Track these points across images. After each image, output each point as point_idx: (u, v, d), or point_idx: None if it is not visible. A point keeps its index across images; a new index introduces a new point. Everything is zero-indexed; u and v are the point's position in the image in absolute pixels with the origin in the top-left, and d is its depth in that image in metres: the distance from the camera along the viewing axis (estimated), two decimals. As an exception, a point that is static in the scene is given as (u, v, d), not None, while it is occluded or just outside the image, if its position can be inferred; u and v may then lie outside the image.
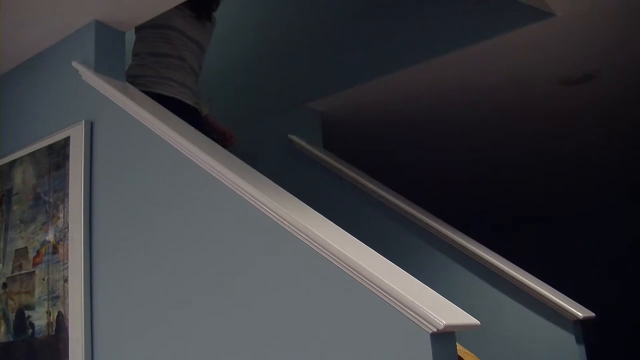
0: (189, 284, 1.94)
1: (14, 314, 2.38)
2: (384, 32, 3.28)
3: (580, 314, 2.37)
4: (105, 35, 2.51)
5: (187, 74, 2.85)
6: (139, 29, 2.86)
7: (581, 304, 2.48)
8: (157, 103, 2.34)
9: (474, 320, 1.51)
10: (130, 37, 2.75)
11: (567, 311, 2.37)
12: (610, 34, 3.08)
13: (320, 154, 3.13)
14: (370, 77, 3.31)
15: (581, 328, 2.43)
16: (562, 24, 2.88)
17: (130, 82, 2.65)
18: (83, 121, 2.36)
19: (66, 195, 2.35)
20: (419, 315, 1.40)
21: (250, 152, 2.51)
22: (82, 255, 2.24)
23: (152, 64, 2.77)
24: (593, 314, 2.44)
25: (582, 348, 2.43)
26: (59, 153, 2.41)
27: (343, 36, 3.43)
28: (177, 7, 2.76)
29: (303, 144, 3.23)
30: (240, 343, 1.76)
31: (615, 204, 6.67)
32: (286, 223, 1.70)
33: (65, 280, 2.26)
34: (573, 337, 2.39)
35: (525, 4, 2.81)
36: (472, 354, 2.09)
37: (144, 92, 2.57)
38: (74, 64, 2.43)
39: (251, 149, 2.70)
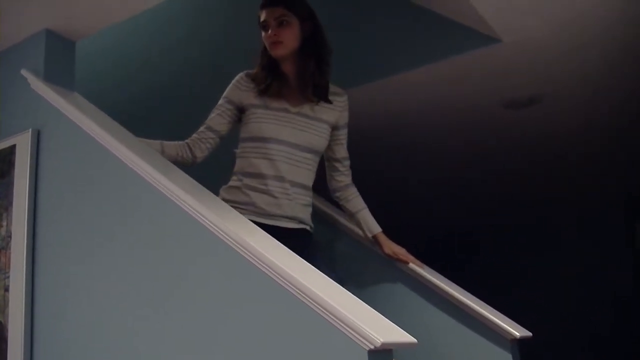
0: (134, 296, 1.94)
1: (-48, 322, 2.35)
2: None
3: (518, 333, 2.42)
4: (56, 44, 2.50)
5: (284, 192, 2.38)
6: (241, 144, 2.47)
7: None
8: (105, 115, 2.34)
9: (410, 339, 1.54)
10: (82, 47, 2.73)
11: (504, 330, 2.41)
12: (553, 60, 3.17)
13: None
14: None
15: (518, 347, 2.49)
16: (508, 50, 2.96)
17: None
18: (30, 130, 2.34)
19: (10, 203, 2.33)
20: (357, 332, 1.43)
21: (199, 165, 2.51)
22: (25, 265, 2.22)
23: (244, 188, 2.38)
24: (530, 334, 2.49)
25: (519, 366, 2.49)
26: (4, 161, 2.39)
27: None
28: (277, 118, 2.40)
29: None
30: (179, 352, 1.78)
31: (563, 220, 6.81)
32: (230, 240, 1.73)
33: (6, 290, 2.24)
34: (510, 356, 2.44)
35: (472, 29, 2.87)
36: (410, 371, 2.12)
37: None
38: (23, 71, 2.42)
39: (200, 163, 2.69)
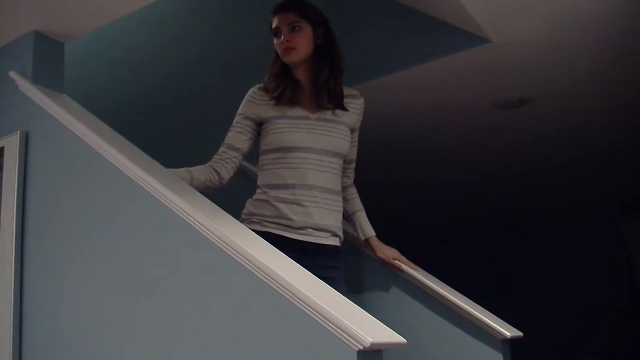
0: (122, 297, 1.94)
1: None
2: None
3: (509, 334, 2.41)
4: (45, 46, 2.49)
5: (313, 200, 2.32)
6: (262, 157, 2.42)
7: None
8: (94, 117, 2.33)
9: (400, 339, 1.54)
10: (71, 49, 2.72)
11: (495, 330, 2.41)
12: (546, 61, 3.18)
13: (253, 168, 3.10)
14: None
15: (509, 347, 2.48)
16: (498, 51, 2.96)
17: (248, 220, 2.33)
18: (18, 132, 2.34)
19: (-1, 205, 2.33)
20: (346, 333, 1.43)
21: (191, 166, 2.50)
22: (13, 267, 2.21)
23: (273, 201, 2.31)
24: (521, 334, 2.49)
25: (510, 367, 2.49)
26: (-8, 163, 2.38)
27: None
28: (299, 127, 2.34)
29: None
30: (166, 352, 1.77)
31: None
32: (217, 239, 1.73)
33: (-5, 293, 2.23)
34: (501, 356, 2.44)
35: (462, 30, 2.88)
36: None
37: (260, 232, 2.18)
38: (12, 74, 2.41)
39: (192, 164, 2.67)
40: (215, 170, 2.36)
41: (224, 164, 2.38)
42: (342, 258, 2.43)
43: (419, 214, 6.37)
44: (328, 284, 2.00)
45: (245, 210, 2.37)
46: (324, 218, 2.33)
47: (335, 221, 2.38)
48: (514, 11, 2.71)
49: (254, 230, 2.19)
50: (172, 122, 4.04)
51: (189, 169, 2.31)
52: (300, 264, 2.07)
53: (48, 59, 2.49)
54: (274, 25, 2.37)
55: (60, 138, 2.23)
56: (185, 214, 1.82)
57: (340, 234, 2.42)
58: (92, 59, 4.34)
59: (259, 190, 2.38)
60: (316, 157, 2.34)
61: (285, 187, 2.31)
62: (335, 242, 2.38)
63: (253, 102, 2.39)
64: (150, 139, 3.44)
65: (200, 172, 2.33)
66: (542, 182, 5.44)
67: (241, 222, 2.31)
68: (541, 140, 4.38)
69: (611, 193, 6.02)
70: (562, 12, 2.76)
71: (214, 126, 3.74)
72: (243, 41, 3.76)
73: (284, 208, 2.28)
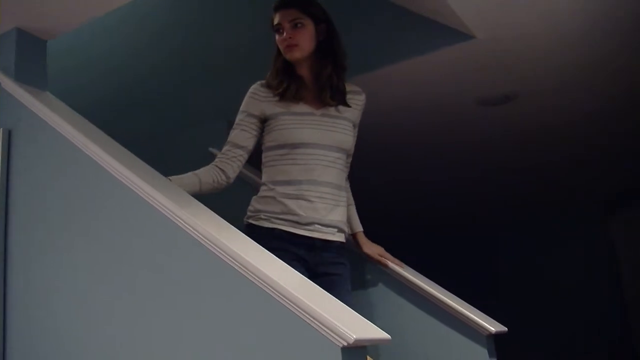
0: (106, 295, 1.93)
1: None
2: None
3: (493, 329, 2.43)
4: (27, 43, 2.47)
5: (319, 196, 2.31)
6: (266, 153, 2.42)
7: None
8: (77, 114, 2.31)
9: (384, 335, 1.54)
10: (54, 46, 2.70)
11: (480, 325, 2.43)
12: (528, 58, 3.19)
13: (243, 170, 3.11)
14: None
15: (493, 342, 2.50)
16: (482, 47, 2.97)
17: (255, 217, 2.34)
18: (1, 129, 2.32)
19: (-19, 204, 2.30)
20: (330, 329, 1.43)
21: (173, 164, 2.49)
22: (-4, 266, 2.20)
23: (279, 197, 2.31)
24: (505, 329, 2.51)
25: (494, 361, 2.50)
26: (-26, 161, 2.36)
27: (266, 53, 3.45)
28: (304, 123, 2.33)
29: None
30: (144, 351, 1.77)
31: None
32: (198, 234, 1.73)
33: (-22, 292, 2.21)
34: (486, 351, 2.45)
35: (446, 25, 2.88)
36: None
37: (269, 228, 2.28)
38: (-6, 71, 2.40)
39: (174, 161, 2.67)
40: (222, 170, 2.34)
41: (230, 163, 2.36)
42: (346, 254, 2.43)
43: (417, 213, 6.37)
44: (335, 280, 2.00)
45: (250, 207, 2.37)
46: (330, 213, 2.33)
47: (340, 216, 2.38)
48: (497, 7, 2.72)
49: (262, 227, 2.27)
50: (156, 119, 4.02)
51: (195, 172, 2.30)
52: (308, 260, 2.09)
53: (30, 56, 2.47)
54: (276, 21, 2.36)
55: (43, 135, 2.21)
56: (169, 212, 1.81)
57: (345, 229, 2.43)
58: (76, 52, 4.31)
59: (263, 187, 2.38)
60: (322, 153, 2.34)
61: (292, 183, 2.31)
62: (340, 237, 2.39)
63: (256, 99, 2.38)
64: (135, 135, 3.43)
65: (207, 174, 2.31)
66: (541, 179, 5.45)
67: (246, 219, 2.36)
68: (528, 136, 4.39)
69: (611, 191, 6.04)
70: (547, 8, 2.78)
71: (200, 123, 3.75)
72: (230, 37, 3.75)
73: (291, 204, 2.29)
